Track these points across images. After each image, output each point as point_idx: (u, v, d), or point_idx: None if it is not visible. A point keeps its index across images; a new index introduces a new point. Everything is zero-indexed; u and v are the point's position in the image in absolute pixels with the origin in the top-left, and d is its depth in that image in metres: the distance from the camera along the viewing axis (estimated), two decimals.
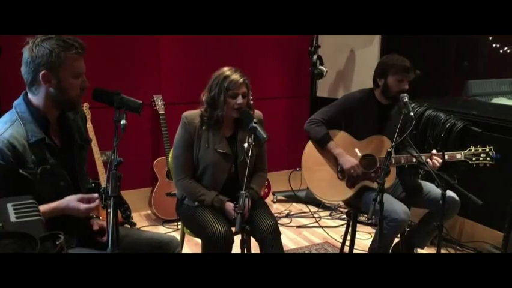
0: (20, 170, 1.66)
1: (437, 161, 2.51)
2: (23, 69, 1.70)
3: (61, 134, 1.84)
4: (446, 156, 2.54)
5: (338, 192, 2.75)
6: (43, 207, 1.69)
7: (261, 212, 2.36)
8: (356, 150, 2.71)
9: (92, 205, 1.69)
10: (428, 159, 2.50)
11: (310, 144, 2.79)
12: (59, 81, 1.68)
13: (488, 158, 2.56)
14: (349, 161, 2.66)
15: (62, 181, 1.78)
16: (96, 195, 1.70)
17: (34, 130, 1.70)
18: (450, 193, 2.51)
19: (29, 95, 1.74)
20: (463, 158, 2.58)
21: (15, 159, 1.65)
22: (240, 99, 2.28)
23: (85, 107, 3.22)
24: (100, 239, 1.90)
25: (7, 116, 1.74)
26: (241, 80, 2.28)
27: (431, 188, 2.66)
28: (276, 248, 2.28)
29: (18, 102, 1.75)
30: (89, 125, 3.27)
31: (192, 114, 2.39)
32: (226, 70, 2.31)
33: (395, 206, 2.47)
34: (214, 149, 2.36)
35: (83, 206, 1.69)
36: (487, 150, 2.57)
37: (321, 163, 2.76)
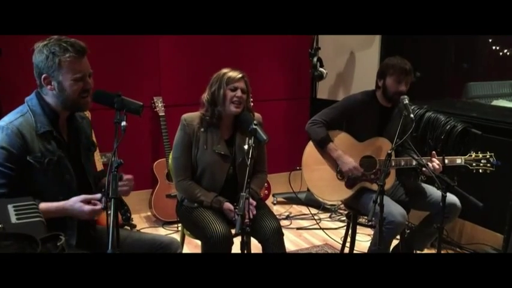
0: (28, 158, 1.69)
1: (437, 164, 2.48)
2: (34, 72, 1.76)
3: (69, 132, 1.88)
4: (446, 161, 2.53)
5: (337, 192, 2.75)
6: (46, 205, 1.68)
7: (264, 213, 2.37)
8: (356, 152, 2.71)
9: (97, 207, 1.69)
10: (429, 163, 2.48)
11: (311, 143, 2.79)
12: (59, 83, 1.73)
13: (488, 165, 2.52)
14: (347, 163, 2.66)
15: (67, 174, 1.80)
16: (99, 195, 1.71)
17: (43, 122, 1.75)
18: (451, 197, 2.50)
19: (41, 94, 1.79)
20: (463, 163, 2.55)
21: (24, 146, 1.69)
22: (239, 92, 2.31)
23: None
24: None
25: (19, 108, 1.80)
26: (240, 75, 2.34)
27: (432, 191, 2.66)
28: (278, 249, 2.29)
29: (31, 97, 1.81)
30: None
31: (191, 116, 2.41)
32: (226, 69, 2.37)
33: (392, 209, 2.47)
34: (213, 150, 2.37)
35: (87, 207, 1.68)
36: (488, 156, 2.53)
37: (321, 162, 2.76)
